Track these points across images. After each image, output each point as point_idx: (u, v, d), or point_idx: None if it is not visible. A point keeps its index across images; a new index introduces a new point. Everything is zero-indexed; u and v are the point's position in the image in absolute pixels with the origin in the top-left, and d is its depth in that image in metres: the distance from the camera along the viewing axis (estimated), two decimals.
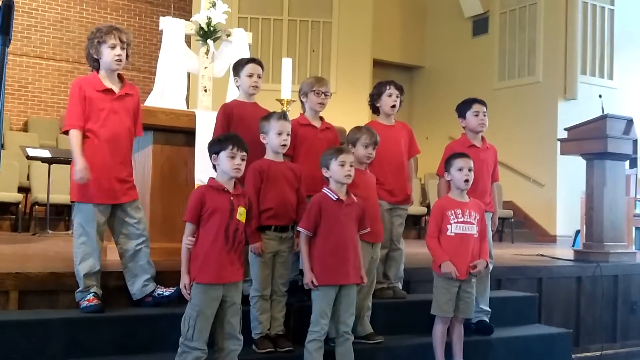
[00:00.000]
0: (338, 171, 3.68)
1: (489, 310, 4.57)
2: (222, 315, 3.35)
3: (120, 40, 3.82)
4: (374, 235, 4.02)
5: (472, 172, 4.10)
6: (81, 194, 3.74)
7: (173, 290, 3.81)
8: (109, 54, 3.79)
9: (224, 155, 3.38)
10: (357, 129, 4.11)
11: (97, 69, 3.87)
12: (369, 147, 4.03)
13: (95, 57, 3.83)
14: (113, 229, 3.90)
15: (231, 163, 3.37)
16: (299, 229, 3.72)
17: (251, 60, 4.22)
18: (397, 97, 4.56)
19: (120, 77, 3.92)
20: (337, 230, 3.66)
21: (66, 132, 3.78)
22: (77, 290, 3.72)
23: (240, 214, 3.39)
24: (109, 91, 3.82)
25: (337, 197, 3.69)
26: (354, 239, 3.74)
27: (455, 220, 4.03)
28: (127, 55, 3.88)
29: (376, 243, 4.10)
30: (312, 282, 3.62)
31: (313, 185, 3.96)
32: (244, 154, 3.42)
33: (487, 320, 4.54)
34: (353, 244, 3.72)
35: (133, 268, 3.87)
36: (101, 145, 3.76)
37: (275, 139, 3.77)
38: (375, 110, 4.66)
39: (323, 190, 3.74)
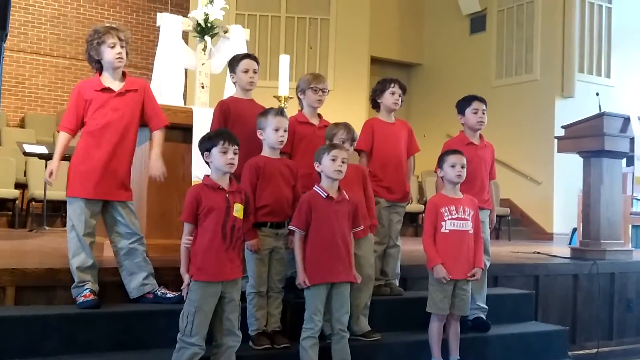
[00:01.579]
0: (329, 166, 3.67)
1: (486, 307, 4.58)
2: (220, 311, 3.35)
3: (119, 39, 3.85)
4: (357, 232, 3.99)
5: (465, 169, 4.10)
6: (72, 189, 3.78)
7: (177, 295, 3.80)
8: (110, 53, 3.82)
9: (216, 151, 3.37)
10: (335, 125, 4.09)
11: (100, 71, 3.91)
12: (346, 143, 3.99)
13: (97, 58, 3.86)
14: (107, 227, 3.92)
15: (224, 158, 3.36)
16: (290, 227, 3.71)
17: (246, 55, 4.23)
18: (400, 96, 4.57)
19: (123, 74, 3.95)
20: (327, 228, 3.65)
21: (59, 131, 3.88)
22: (73, 286, 3.72)
23: (237, 210, 3.38)
24: (107, 90, 3.84)
25: (326, 194, 3.68)
26: (345, 236, 3.72)
27: (450, 217, 4.03)
28: (126, 53, 3.90)
29: (357, 239, 3.97)
30: (305, 282, 3.62)
31: (311, 183, 3.96)
32: (236, 147, 3.40)
33: (484, 317, 4.55)
34: (344, 242, 3.70)
35: (129, 266, 3.87)
36: (97, 142, 3.78)
37: (272, 135, 3.77)
38: (375, 105, 4.65)
39: (314, 188, 3.74)
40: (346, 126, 4.06)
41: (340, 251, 3.67)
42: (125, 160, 3.89)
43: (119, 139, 3.83)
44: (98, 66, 3.89)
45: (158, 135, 4.02)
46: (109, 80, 3.87)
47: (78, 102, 3.82)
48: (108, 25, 3.98)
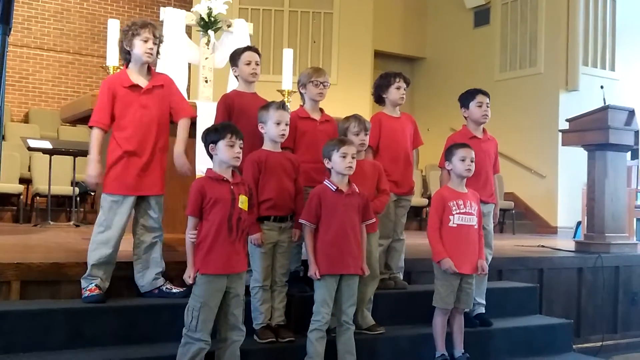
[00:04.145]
0: (340, 162, 3.68)
1: (484, 302, 4.57)
2: (226, 306, 3.35)
3: (154, 35, 3.89)
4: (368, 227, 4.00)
5: (474, 163, 4.09)
6: (110, 185, 3.80)
7: (182, 290, 3.82)
8: (141, 47, 3.85)
9: (222, 144, 3.36)
10: (346, 118, 4.10)
11: (128, 63, 3.94)
12: (360, 134, 4.01)
13: (128, 49, 3.89)
14: (134, 220, 3.93)
15: (231, 152, 3.36)
16: (301, 221, 3.72)
17: (248, 48, 4.24)
18: (405, 90, 4.56)
19: (148, 69, 3.98)
20: (337, 221, 3.66)
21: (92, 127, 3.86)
22: (83, 276, 3.75)
23: (242, 202, 3.38)
24: (136, 87, 3.88)
25: (336, 187, 3.69)
26: (355, 229, 3.73)
27: (457, 211, 4.02)
28: (157, 51, 3.95)
29: (369, 234, 4.03)
30: (316, 274, 3.63)
31: (313, 177, 3.97)
32: (242, 142, 3.42)
33: (483, 311, 4.54)
34: (354, 235, 3.71)
35: (146, 260, 3.90)
36: (129, 139, 3.81)
37: (273, 129, 3.77)
38: (379, 100, 4.64)
39: (324, 182, 3.74)
40: (357, 117, 4.06)
41: (351, 244, 3.68)
42: (158, 156, 3.92)
43: (150, 135, 3.86)
44: (128, 57, 3.93)
45: (181, 127, 3.99)
46: (135, 75, 3.90)
47: (109, 97, 3.84)
48: (147, 20, 4.04)
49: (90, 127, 3.86)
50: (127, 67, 3.96)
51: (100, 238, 3.77)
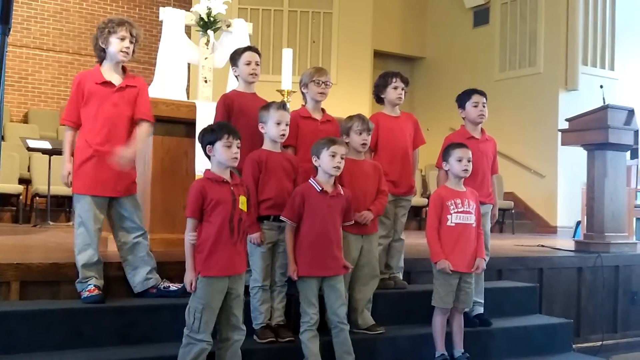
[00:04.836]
0: (328, 162, 3.66)
1: (482, 302, 4.56)
2: (227, 307, 3.34)
3: (131, 34, 3.85)
4: (366, 227, 4.01)
5: (471, 163, 4.09)
6: (79, 186, 3.76)
7: (180, 287, 3.80)
8: (117, 45, 3.80)
9: (220, 145, 3.33)
10: (349, 117, 4.10)
11: (102, 60, 3.89)
12: (363, 134, 4.01)
13: (103, 46, 3.84)
14: (111, 222, 3.91)
15: (229, 152, 3.33)
16: (282, 217, 3.69)
17: (248, 48, 4.23)
18: (403, 89, 4.56)
19: (123, 69, 3.93)
20: (320, 222, 3.64)
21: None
22: (77, 281, 3.73)
23: (242, 203, 3.36)
24: (108, 84, 3.82)
25: (321, 188, 3.67)
26: (337, 231, 3.72)
27: (456, 210, 4.03)
28: (133, 51, 3.90)
29: (367, 234, 4.05)
30: (294, 274, 3.63)
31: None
32: (239, 142, 3.38)
33: (482, 310, 4.54)
34: (336, 237, 3.70)
35: (133, 260, 3.88)
36: (99, 137, 3.76)
37: (273, 129, 3.76)
38: (379, 100, 4.65)
39: (309, 180, 3.73)
40: (360, 117, 4.07)
41: (332, 246, 3.67)
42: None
43: (121, 134, 3.80)
44: (102, 55, 3.87)
45: (139, 127, 3.87)
46: (108, 73, 3.85)
47: (79, 92, 3.79)
48: (124, 18, 3.98)
49: (62, 124, 3.85)
50: (100, 65, 3.89)
51: (83, 239, 3.73)
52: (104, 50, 3.85)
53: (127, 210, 3.86)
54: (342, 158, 3.68)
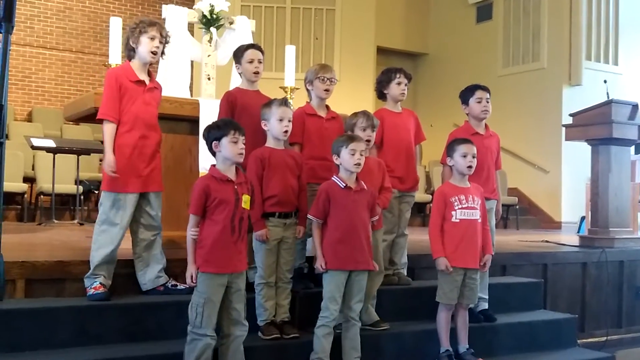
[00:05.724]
0: (348, 159, 3.68)
1: (486, 297, 4.56)
2: (227, 301, 3.36)
3: (161, 35, 3.89)
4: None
5: (476, 159, 4.09)
6: (112, 183, 3.77)
7: (187, 286, 3.79)
8: (147, 45, 3.85)
9: (226, 141, 3.34)
10: (354, 114, 4.10)
11: (131, 59, 3.93)
12: (367, 130, 4.01)
13: (133, 45, 3.88)
14: (133, 218, 3.91)
15: (235, 148, 3.35)
16: (309, 216, 3.72)
17: (251, 46, 4.23)
18: (406, 85, 4.55)
19: (149, 71, 3.99)
20: (347, 217, 3.66)
21: (100, 121, 3.83)
22: (86, 275, 3.75)
23: (245, 201, 3.38)
24: (141, 82, 3.88)
25: (345, 184, 3.69)
26: (365, 225, 3.73)
27: (460, 206, 4.02)
28: (163, 52, 3.95)
29: (374, 230, 4.03)
30: (322, 266, 3.63)
31: (319, 174, 3.97)
32: (244, 138, 3.40)
33: (487, 306, 4.54)
34: (365, 231, 3.71)
35: (147, 257, 3.90)
36: (134, 135, 3.80)
37: (276, 126, 3.77)
38: (381, 96, 4.64)
39: (332, 178, 3.74)
40: (365, 114, 4.07)
41: (361, 240, 3.68)
42: (157, 153, 3.93)
43: (151, 132, 3.87)
44: (132, 54, 3.92)
45: None
46: (138, 72, 3.90)
47: (117, 87, 3.80)
48: (155, 19, 4.05)
49: (101, 121, 3.82)
50: (129, 62, 3.94)
51: (104, 237, 3.76)
52: (133, 50, 3.90)
53: (151, 207, 3.91)
54: (361, 154, 3.69)
